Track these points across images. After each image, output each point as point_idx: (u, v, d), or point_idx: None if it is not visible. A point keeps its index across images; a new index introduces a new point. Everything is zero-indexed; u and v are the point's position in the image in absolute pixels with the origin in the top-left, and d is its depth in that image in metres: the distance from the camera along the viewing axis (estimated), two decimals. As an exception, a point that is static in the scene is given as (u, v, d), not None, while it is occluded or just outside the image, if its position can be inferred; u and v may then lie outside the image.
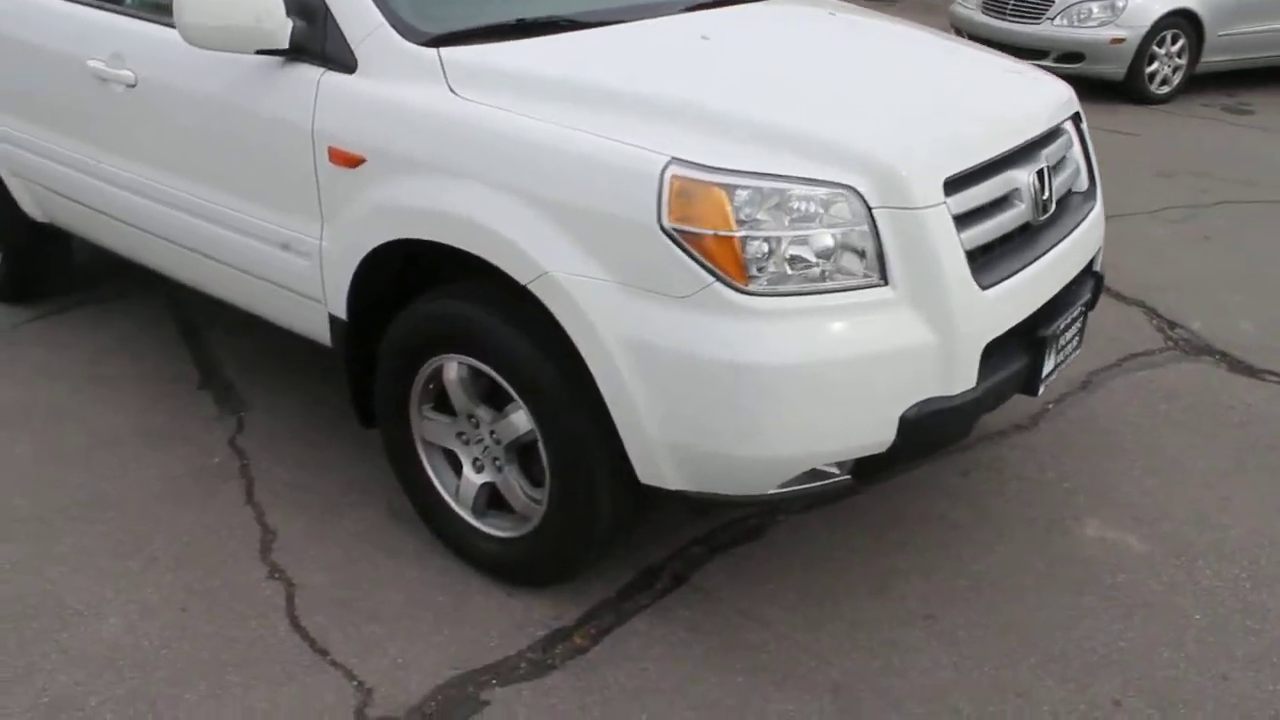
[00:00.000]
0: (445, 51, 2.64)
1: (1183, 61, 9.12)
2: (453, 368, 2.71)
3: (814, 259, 2.34)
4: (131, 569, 2.94)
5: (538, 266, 2.38)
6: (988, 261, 2.59)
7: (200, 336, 4.29)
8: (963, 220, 2.50)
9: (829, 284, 2.35)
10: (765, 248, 2.30)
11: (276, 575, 2.92)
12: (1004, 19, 9.33)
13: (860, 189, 2.35)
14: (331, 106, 2.74)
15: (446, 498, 2.90)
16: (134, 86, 3.27)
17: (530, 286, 2.41)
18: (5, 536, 3.07)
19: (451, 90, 2.58)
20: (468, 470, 2.84)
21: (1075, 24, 8.89)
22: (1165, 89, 9.08)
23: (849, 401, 2.39)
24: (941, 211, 2.43)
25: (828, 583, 2.96)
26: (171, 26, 3.11)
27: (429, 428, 2.87)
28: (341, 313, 2.89)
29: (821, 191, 2.33)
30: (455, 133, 2.52)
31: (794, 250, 2.32)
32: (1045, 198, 2.85)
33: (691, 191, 2.27)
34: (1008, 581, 2.99)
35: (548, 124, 2.42)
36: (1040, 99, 3.02)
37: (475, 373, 2.69)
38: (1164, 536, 3.20)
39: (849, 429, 2.43)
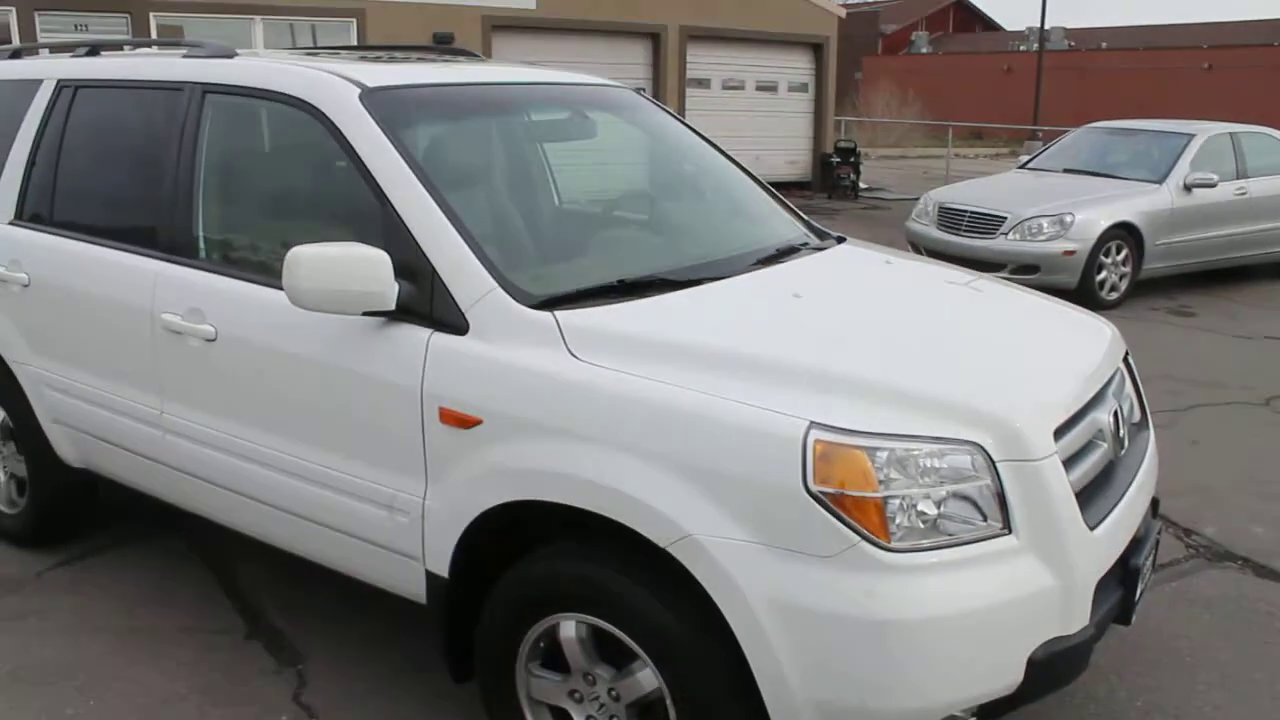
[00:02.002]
0: (562, 315, 2.72)
1: (1128, 269, 9.67)
2: (570, 626, 2.68)
3: (948, 514, 2.41)
4: None
5: (679, 529, 2.41)
6: (1088, 501, 2.69)
7: (234, 579, 4.20)
8: (1067, 465, 2.61)
9: (961, 537, 2.42)
10: (904, 505, 2.37)
11: None
12: (959, 235, 9.84)
13: (985, 445, 2.45)
14: (443, 368, 2.78)
15: (555, 757, 2.83)
16: (213, 341, 3.30)
17: (670, 549, 2.44)
18: (77, 817, 2.91)
19: (572, 354, 2.65)
20: (580, 729, 2.79)
21: (1028, 238, 9.41)
22: (1114, 295, 9.60)
23: (985, 649, 2.43)
24: (1055, 460, 2.54)
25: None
26: (256, 282, 3.23)
27: (537, 686, 2.82)
28: (443, 570, 2.87)
29: (952, 449, 2.43)
30: (583, 397, 2.58)
31: (930, 507, 2.39)
32: (1121, 435, 2.99)
33: (833, 454, 2.34)
34: (1112, 817, 2.98)
35: (681, 390, 2.49)
36: (1103, 343, 3.19)
37: (593, 631, 2.67)
38: (1247, 758, 3.23)
39: (984, 675, 2.46)
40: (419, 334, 2.85)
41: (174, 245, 3.51)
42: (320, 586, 3.80)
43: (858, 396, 2.48)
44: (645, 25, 17.07)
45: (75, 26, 12.89)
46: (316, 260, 2.76)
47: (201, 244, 3.48)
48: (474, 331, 2.78)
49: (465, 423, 2.73)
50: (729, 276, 3.15)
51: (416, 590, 2.98)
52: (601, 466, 2.51)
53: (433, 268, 2.84)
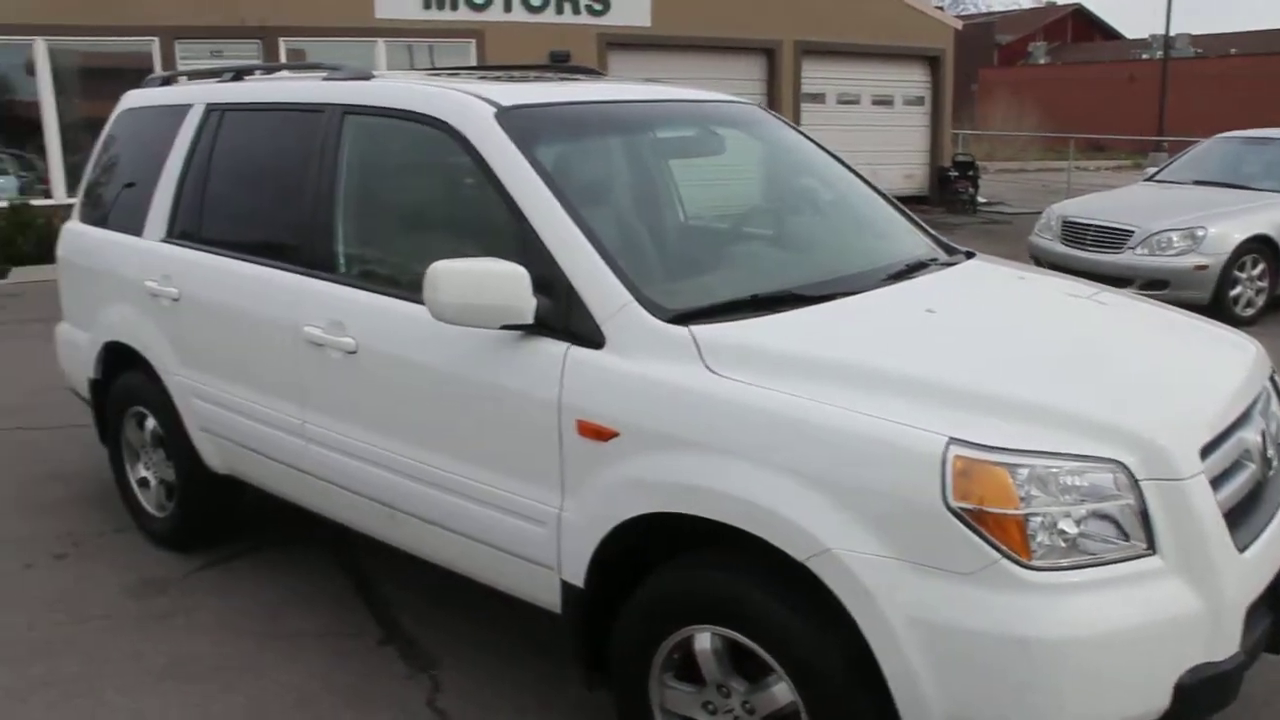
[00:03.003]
0: (697, 329, 2.75)
1: (1264, 284, 9.34)
2: (706, 638, 2.70)
3: (1089, 533, 2.37)
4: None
5: (817, 543, 2.42)
6: (1236, 523, 2.61)
7: (370, 587, 4.32)
8: (1214, 485, 2.54)
9: (1103, 557, 2.38)
10: (1044, 524, 2.34)
11: None
12: (1085, 249, 9.62)
13: (1128, 463, 2.41)
14: (580, 381, 2.84)
15: (686, 768, 2.85)
16: (354, 353, 3.41)
17: (808, 563, 2.44)
18: (224, 809, 3.03)
19: (709, 368, 2.67)
20: (713, 740, 2.80)
21: (1157, 253, 9.15)
22: (1249, 311, 9.29)
23: (1129, 672, 2.38)
24: (1201, 480, 2.48)
25: None
26: (395, 296, 3.33)
27: (671, 697, 2.84)
28: (578, 580, 2.91)
29: (1094, 467, 2.39)
30: (720, 411, 2.60)
31: (1070, 525, 2.36)
32: (1269, 455, 2.90)
33: (973, 471, 2.32)
34: None
35: (818, 404, 2.50)
36: (1248, 360, 3.10)
37: (728, 643, 2.69)
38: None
39: (1128, 698, 2.40)
40: (556, 347, 2.91)
41: (315, 260, 3.65)
42: (452, 594, 3.92)
43: (997, 412, 2.46)
44: (760, 41, 17.09)
45: (210, 53, 13.43)
46: (456, 275, 2.84)
47: (342, 259, 3.60)
48: (610, 345, 2.82)
49: (602, 435, 2.78)
50: (861, 292, 3.15)
51: (551, 599, 3.04)
52: (739, 480, 2.53)
53: (569, 283, 2.90)
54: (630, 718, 2.93)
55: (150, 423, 4.61)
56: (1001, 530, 2.31)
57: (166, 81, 4.85)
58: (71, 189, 13.12)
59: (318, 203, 3.66)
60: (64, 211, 12.40)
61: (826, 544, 2.41)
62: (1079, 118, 35.44)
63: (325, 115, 3.72)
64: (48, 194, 13.42)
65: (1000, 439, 2.37)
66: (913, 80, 19.03)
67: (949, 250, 3.89)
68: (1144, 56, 44.88)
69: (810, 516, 2.44)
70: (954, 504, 2.31)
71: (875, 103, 18.72)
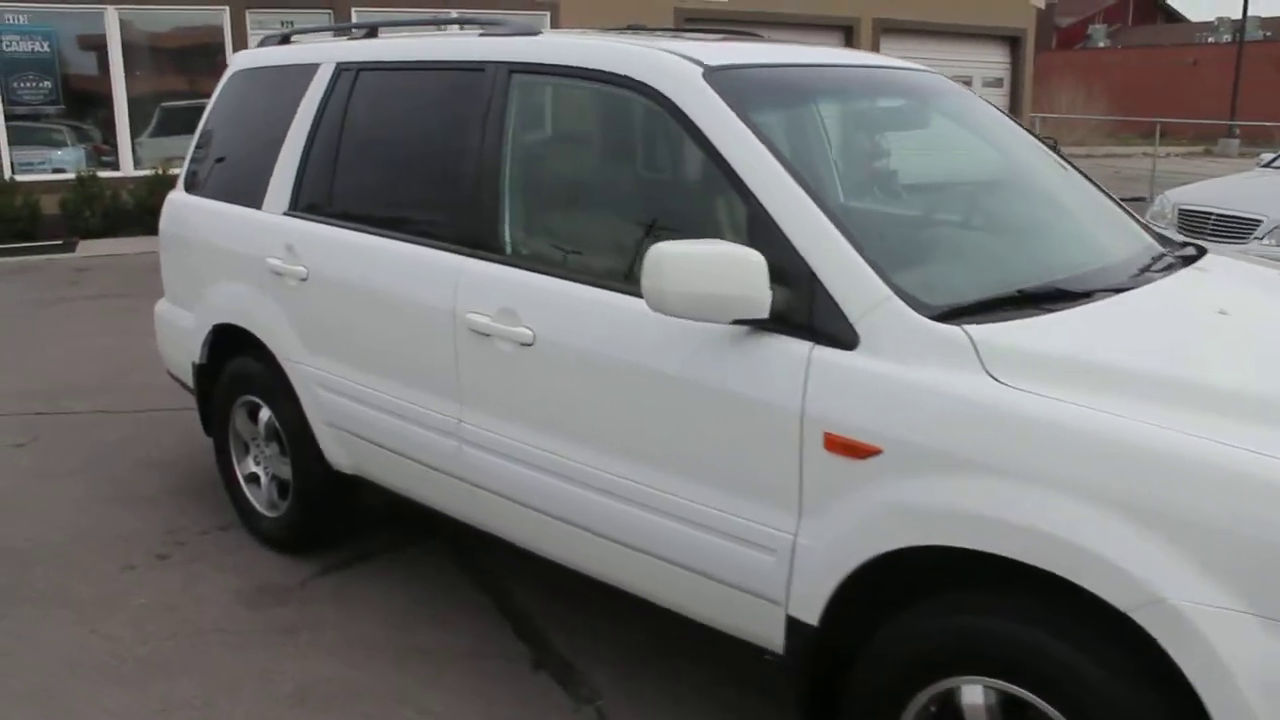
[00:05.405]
0: (973, 329, 2.33)
1: (1401, 278, 8.78)
2: (977, 691, 2.29)
3: None
4: None
5: (1147, 592, 2.00)
6: None
7: (507, 597, 3.94)
8: None
9: None
10: None
11: None
12: (1204, 238, 9.07)
13: None
14: (830, 387, 2.42)
15: (942, 840, 2.44)
16: (530, 345, 3.01)
17: (1134, 615, 2.02)
18: None
19: (991, 375, 2.25)
20: (976, 809, 2.39)
21: (1287, 242, 8.62)
22: (1385, 307, 8.72)
23: None
24: None
25: None
26: (584, 282, 2.93)
27: (924, 755, 2.44)
28: (812, 618, 2.51)
29: None
30: (1016, 428, 2.17)
31: None
32: None
33: (1353, 509, 1.90)
34: None
35: (1142, 424, 2.07)
36: None
37: (1005, 698, 2.28)
38: None
39: None
40: (797, 347, 2.49)
41: (477, 239, 3.25)
42: (604, 611, 3.55)
43: None
44: (838, 18, 16.58)
45: (281, 23, 13.09)
46: (685, 260, 2.43)
47: (509, 238, 3.20)
48: (865, 346, 2.41)
49: (858, 452, 2.36)
50: (1127, 290, 2.71)
51: (770, 636, 2.63)
52: (1040, 511, 2.11)
53: (811, 271, 2.49)
54: (870, 776, 2.52)
55: (265, 414, 4.24)
56: (1388, 582, 1.89)
57: (285, 40, 4.46)
58: (138, 161, 12.88)
59: (480, 173, 3.26)
60: (132, 184, 12.23)
61: (1162, 593, 1.98)
62: (1139, 103, 34.60)
63: (487, 75, 3.31)
64: (115, 166, 13.14)
65: (1380, 470, 1.94)
66: (992, 61, 18.48)
67: (1166, 242, 3.46)
68: (1210, 40, 43.78)
69: (1136, 558, 2.02)
70: (1329, 550, 1.89)
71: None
